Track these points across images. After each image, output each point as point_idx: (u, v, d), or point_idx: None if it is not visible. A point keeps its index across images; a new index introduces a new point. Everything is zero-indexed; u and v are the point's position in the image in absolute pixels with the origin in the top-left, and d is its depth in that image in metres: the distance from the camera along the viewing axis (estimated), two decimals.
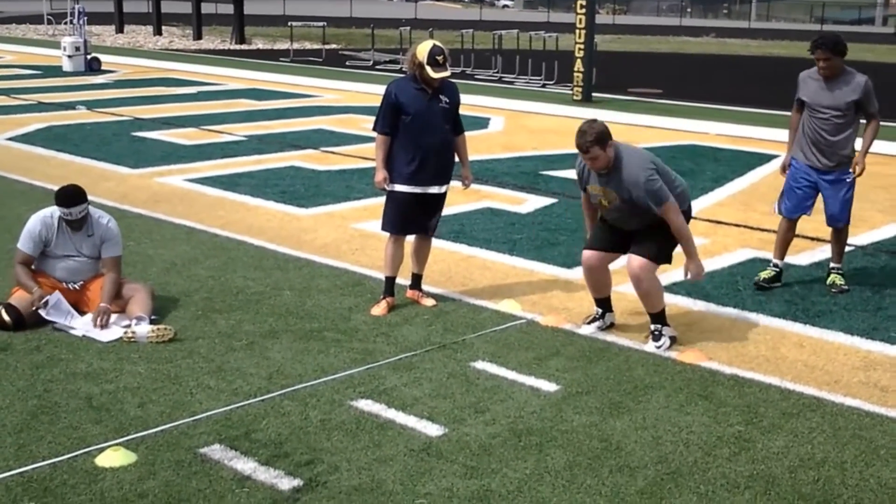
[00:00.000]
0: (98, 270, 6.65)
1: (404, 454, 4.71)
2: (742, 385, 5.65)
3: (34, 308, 6.27)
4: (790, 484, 4.52)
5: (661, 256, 6.24)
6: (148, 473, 4.48)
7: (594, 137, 5.97)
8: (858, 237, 9.09)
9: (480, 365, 5.85)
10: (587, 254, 6.39)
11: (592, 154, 5.99)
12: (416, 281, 7.04)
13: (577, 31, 19.70)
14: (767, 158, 13.21)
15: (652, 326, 6.27)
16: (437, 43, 6.63)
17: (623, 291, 6.84)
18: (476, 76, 24.50)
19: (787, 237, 7.70)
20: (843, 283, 7.53)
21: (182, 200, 10.14)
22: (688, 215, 6.29)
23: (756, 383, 5.68)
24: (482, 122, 16.05)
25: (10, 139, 13.69)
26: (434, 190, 6.79)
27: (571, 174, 11.77)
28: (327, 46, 31.77)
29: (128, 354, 5.91)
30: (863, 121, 7.46)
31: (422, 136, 6.68)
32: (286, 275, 7.59)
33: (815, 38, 7.37)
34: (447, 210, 9.45)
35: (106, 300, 6.41)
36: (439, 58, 6.52)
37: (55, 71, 23.23)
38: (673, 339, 6.25)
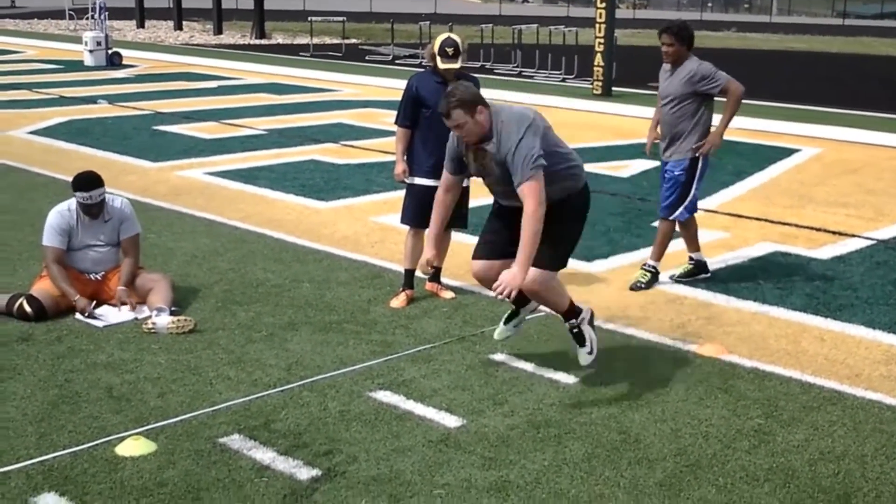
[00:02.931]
0: (119, 260, 6.69)
1: (423, 445, 4.71)
2: (762, 378, 5.62)
3: (84, 315, 6.31)
4: (810, 477, 4.50)
5: (557, 261, 5.33)
6: (168, 463, 4.50)
7: (458, 99, 4.99)
8: (880, 231, 9.04)
9: (499, 357, 5.85)
10: (475, 264, 5.50)
11: (456, 120, 5.02)
12: (436, 273, 7.04)
13: (597, 25, 19.66)
14: (788, 152, 13.15)
15: (567, 325, 5.49)
16: (452, 35, 6.67)
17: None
18: (495, 71, 24.46)
19: (687, 236, 7.44)
20: (645, 280, 7.16)
21: (202, 194, 10.18)
22: (585, 197, 5.46)
23: (776, 377, 5.65)
24: None
25: (32, 133, 13.77)
26: None
27: (591, 168, 11.74)
28: (347, 41, 31.82)
29: (148, 345, 5.94)
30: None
31: (442, 130, 6.67)
32: (305, 267, 7.60)
33: (664, 24, 7.18)
34: None
35: (123, 282, 6.47)
36: (449, 49, 6.56)
37: (77, 65, 23.36)
38: (591, 321, 5.51)
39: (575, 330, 5.47)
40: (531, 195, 4.94)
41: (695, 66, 7.05)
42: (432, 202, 6.73)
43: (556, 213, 5.12)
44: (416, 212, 6.82)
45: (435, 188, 6.69)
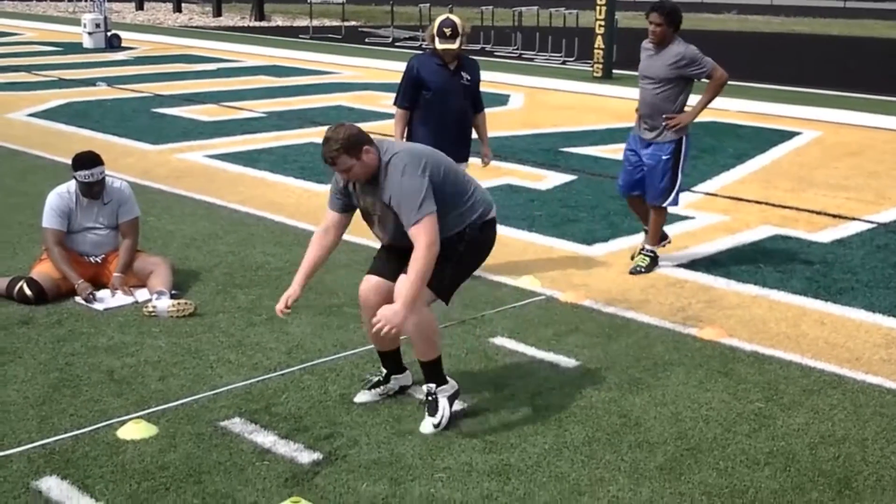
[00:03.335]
0: (119, 243, 6.68)
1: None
2: (762, 362, 5.63)
3: (83, 300, 6.29)
4: (810, 461, 4.50)
5: (441, 287, 4.71)
6: (169, 446, 4.51)
7: (340, 145, 4.50)
8: (881, 214, 9.03)
9: (499, 341, 5.85)
10: (364, 284, 4.89)
11: (342, 166, 4.55)
12: None
13: (598, 7, 19.60)
14: (789, 135, 13.12)
15: (424, 388, 4.83)
16: (451, 16, 6.63)
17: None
18: (496, 53, 24.39)
19: (640, 213, 7.40)
20: (644, 264, 7.18)
21: (202, 176, 10.17)
22: (483, 231, 4.83)
23: (776, 360, 5.65)
24: (502, 99, 15.99)
25: (31, 115, 13.75)
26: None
27: (592, 151, 11.81)
28: (347, 23, 31.69)
29: (148, 328, 5.94)
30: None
31: (441, 112, 6.66)
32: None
33: (654, 2, 7.05)
34: None
35: (120, 269, 6.47)
36: (447, 30, 6.51)
37: (76, 48, 23.29)
38: (453, 399, 4.80)
39: (431, 397, 4.77)
40: (423, 234, 4.46)
41: (682, 49, 6.98)
42: None
43: (447, 245, 4.61)
44: None
45: None
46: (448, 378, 4.86)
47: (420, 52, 6.92)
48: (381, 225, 4.76)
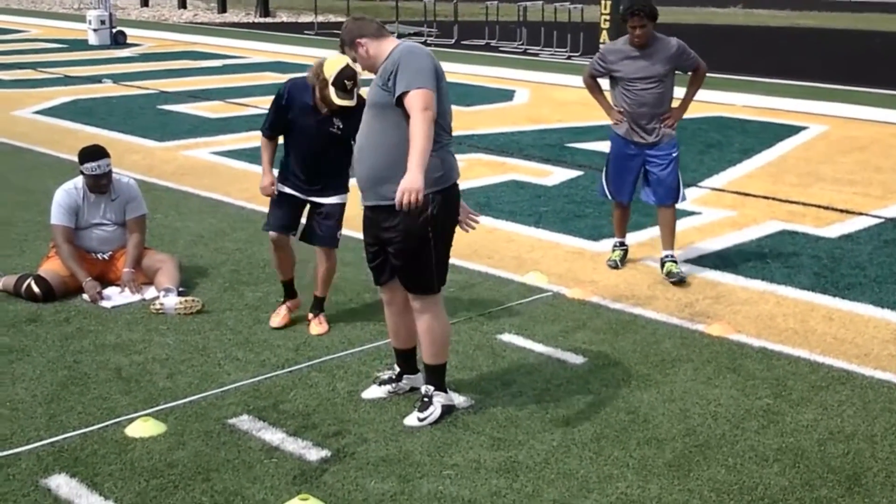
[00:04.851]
0: (125, 240, 6.68)
1: (431, 426, 4.71)
2: (771, 358, 5.61)
3: (92, 301, 6.29)
4: (819, 457, 4.49)
5: (439, 279, 4.73)
6: (177, 443, 4.51)
7: (341, 38, 4.75)
8: (888, 209, 9.01)
9: (507, 337, 5.84)
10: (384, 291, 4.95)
11: (349, 55, 4.84)
12: (318, 302, 6.12)
13: (603, 2, 19.59)
14: (796, 130, 13.09)
15: (423, 389, 4.86)
16: (352, 64, 5.29)
17: (652, 265, 6.76)
18: (501, 48, 24.34)
19: (623, 221, 7.32)
20: (679, 269, 6.90)
21: (208, 173, 10.17)
22: (451, 201, 4.68)
23: (785, 356, 5.64)
24: (507, 95, 15.94)
25: (36, 112, 13.76)
26: (315, 199, 6.01)
27: (598, 146, 11.77)
28: None
29: (156, 326, 5.94)
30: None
31: (298, 150, 5.87)
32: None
33: (630, 5, 6.85)
34: (473, 182, 9.45)
35: (130, 264, 6.47)
36: (348, 83, 5.48)
37: (81, 45, 23.30)
38: (447, 410, 4.81)
39: (426, 398, 4.80)
40: (417, 101, 4.34)
41: (673, 41, 6.96)
42: (286, 206, 5.99)
43: (418, 234, 4.57)
44: (269, 214, 6.15)
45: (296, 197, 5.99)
46: (448, 390, 4.89)
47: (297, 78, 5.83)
48: (366, 127, 4.64)
